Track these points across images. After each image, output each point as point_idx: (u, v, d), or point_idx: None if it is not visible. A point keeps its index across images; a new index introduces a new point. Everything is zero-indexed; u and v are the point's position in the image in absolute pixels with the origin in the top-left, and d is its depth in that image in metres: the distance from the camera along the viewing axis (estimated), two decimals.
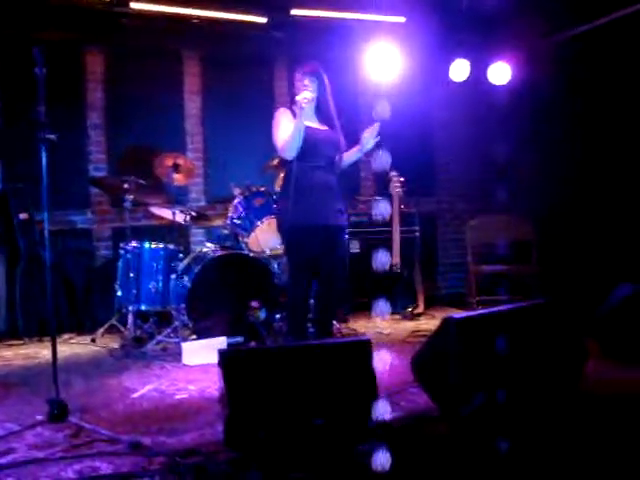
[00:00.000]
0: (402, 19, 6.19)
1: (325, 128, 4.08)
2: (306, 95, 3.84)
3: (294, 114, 3.92)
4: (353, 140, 4.17)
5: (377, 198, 6.40)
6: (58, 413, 3.03)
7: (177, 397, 3.58)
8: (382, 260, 5.09)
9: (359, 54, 6.09)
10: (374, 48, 5.98)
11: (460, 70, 6.35)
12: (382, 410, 2.73)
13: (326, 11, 6.03)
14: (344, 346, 3.05)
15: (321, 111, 4.09)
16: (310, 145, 3.90)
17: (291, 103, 4.08)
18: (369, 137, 4.05)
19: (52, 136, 3.14)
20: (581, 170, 6.08)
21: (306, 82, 3.98)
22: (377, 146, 4.11)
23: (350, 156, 4.20)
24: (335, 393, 2.76)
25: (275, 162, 5.22)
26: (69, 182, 5.76)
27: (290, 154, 3.89)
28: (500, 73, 6.43)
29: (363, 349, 2.92)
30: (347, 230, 4.51)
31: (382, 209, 5.69)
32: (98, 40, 5.98)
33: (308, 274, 4.03)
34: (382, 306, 4.85)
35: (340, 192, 4.12)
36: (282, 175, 4.94)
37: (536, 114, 6.45)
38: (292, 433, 2.64)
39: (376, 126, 4.05)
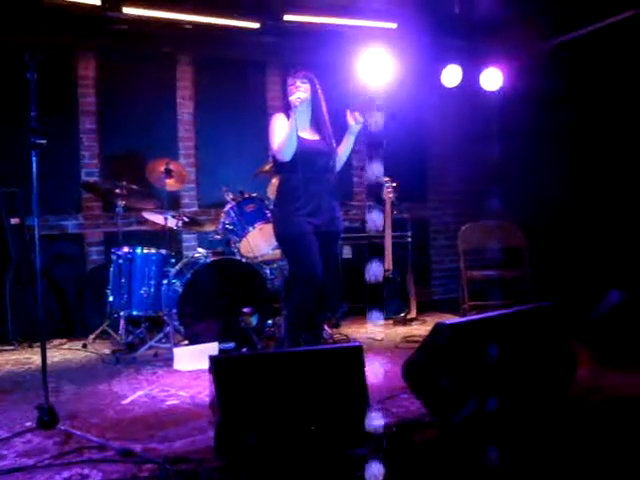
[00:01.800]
0: (394, 25, 6.19)
1: (317, 138, 4.09)
2: (299, 95, 3.89)
3: (289, 118, 3.94)
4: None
5: (369, 204, 6.41)
6: (48, 420, 2.99)
7: (168, 403, 3.56)
8: (376, 272, 5.10)
9: (351, 60, 6.09)
10: (366, 54, 5.99)
11: (452, 76, 6.38)
12: (373, 416, 2.73)
13: (318, 17, 6.02)
14: (335, 352, 3.04)
15: (314, 118, 4.11)
16: (305, 157, 3.92)
17: (285, 108, 4.10)
18: (354, 118, 4.04)
19: (42, 141, 3.12)
20: (573, 176, 6.10)
21: (298, 83, 4.01)
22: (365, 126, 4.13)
23: (343, 148, 4.18)
24: (326, 399, 2.75)
25: (267, 167, 5.22)
26: (61, 187, 5.75)
27: (286, 155, 3.91)
28: (492, 79, 6.46)
29: (354, 355, 2.91)
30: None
31: (375, 218, 5.69)
32: (90, 45, 5.96)
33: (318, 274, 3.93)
34: (375, 312, 4.85)
35: (336, 199, 4.16)
36: (274, 181, 4.94)
37: (528, 120, 6.47)
38: (283, 439, 2.63)
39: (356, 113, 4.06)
